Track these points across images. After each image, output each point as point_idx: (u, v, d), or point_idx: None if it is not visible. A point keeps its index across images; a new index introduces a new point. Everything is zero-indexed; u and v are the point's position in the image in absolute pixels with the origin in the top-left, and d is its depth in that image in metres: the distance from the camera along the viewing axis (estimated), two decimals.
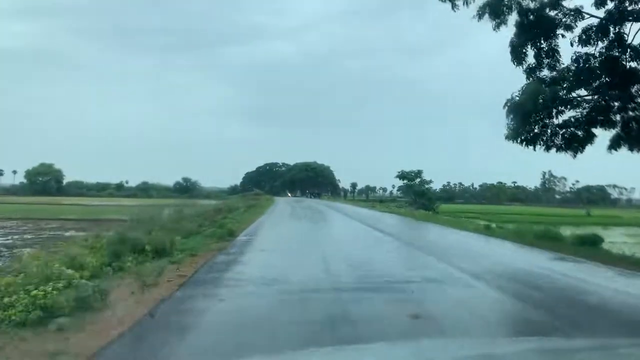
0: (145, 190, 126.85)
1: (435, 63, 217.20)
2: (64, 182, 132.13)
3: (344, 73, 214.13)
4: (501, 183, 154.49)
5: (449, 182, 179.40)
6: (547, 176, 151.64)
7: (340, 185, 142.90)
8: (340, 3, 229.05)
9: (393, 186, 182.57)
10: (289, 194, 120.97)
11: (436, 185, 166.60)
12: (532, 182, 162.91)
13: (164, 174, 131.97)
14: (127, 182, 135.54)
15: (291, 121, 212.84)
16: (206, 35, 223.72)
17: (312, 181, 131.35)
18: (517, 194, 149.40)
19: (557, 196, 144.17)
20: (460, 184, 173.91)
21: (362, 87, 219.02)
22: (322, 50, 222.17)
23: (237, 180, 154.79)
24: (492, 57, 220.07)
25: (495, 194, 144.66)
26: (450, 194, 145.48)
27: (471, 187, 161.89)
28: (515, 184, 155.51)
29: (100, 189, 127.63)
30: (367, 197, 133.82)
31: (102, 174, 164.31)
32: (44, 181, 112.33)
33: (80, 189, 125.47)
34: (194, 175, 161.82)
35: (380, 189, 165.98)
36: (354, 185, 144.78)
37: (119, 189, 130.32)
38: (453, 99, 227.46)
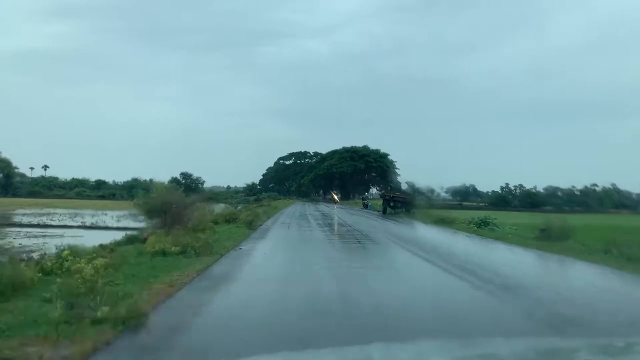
0: (129, 188, 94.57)
1: (478, 60, 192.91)
2: (29, 177, 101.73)
3: (379, 71, 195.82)
4: (595, 185, 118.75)
5: (507, 184, 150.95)
6: None
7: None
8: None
9: (441, 187, 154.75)
10: (335, 197, 67.23)
11: (483, 187, 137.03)
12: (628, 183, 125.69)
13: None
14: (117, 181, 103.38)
15: (325, 121, 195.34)
16: (236, 34, 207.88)
17: (360, 176, 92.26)
18: (622, 200, 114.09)
19: None
20: (521, 185, 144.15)
21: (398, 85, 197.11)
22: (357, 49, 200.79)
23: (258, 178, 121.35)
24: (535, 54, 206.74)
25: (598, 199, 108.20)
26: (530, 199, 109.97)
27: (533, 190, 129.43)
28: (614, 186, 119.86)
29: (72, 187, 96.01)
30: None
31: (114, 172, 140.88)
32: None
33: (48, 188, 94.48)
34: (217, 176, 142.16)
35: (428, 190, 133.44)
36: (411, 185, 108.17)
37: (99, 187, 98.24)
38: (510, 97, 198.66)
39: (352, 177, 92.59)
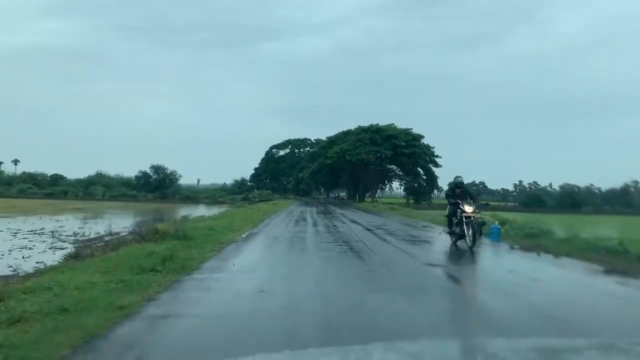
0: (87, 185, 77.39)
1: (478, 55, 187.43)
2: None
3: (381, 67, 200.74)
4: (637, 182, 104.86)
5: (520, 182, 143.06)
6: None
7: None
8: None
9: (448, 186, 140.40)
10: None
11: (493, 184, 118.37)
12: None
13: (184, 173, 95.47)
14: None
15: (325, 119, 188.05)
16: (237, 31, 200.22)
17: (383, 167, 67.59)
18: None
19: None
20: (535, 183, 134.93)
21: (399, 81, 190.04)
22: (359, 45, 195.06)
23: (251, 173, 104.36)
24: (542, 49, 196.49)
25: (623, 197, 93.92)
26: (572, 198, 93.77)
27: (549, 188, 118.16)
28: None
29: (20, 183, 78.47)
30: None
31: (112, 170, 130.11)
32: None
33: None
34: (215, 174, 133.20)
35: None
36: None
37: (55, 183, 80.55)
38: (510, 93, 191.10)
39: (367, 168, 66.63)
